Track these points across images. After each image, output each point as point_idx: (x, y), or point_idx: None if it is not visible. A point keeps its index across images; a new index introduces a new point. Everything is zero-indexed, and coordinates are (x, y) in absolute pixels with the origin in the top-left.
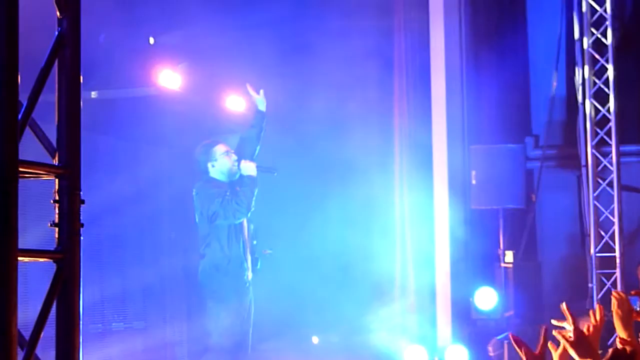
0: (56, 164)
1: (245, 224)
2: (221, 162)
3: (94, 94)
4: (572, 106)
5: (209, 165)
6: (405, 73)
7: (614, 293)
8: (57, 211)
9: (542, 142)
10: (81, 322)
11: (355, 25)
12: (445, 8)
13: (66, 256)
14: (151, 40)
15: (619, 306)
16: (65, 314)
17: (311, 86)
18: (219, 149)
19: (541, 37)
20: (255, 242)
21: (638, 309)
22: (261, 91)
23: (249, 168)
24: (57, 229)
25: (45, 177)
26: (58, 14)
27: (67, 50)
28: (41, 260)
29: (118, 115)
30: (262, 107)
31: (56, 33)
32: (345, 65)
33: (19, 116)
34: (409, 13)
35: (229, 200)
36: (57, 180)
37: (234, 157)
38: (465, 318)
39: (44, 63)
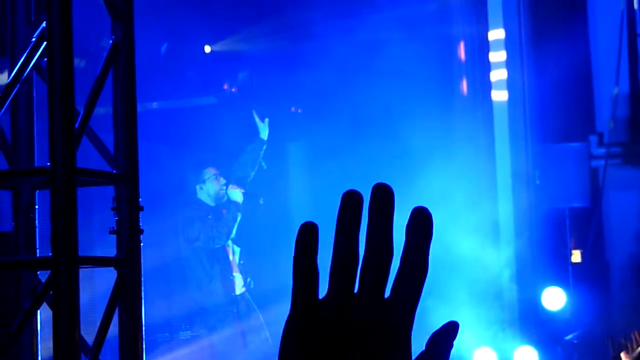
0: (114, 172)
1: (230, 244)
2: (209, 185)
3: (155, 104)
4: (636, 102)
5: (197, 187)
6: (465, 72)
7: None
8: (116, 218)
9: (607, 139)
10: (144, 328)
11: (414, 29)
12: (504, 5)
13: (126, 262)
14: (207, 49)
15: None
16: (127, 319)
17: (371, 79)
18: (208, 171)
19: (602, 32)
20: (242, 262)
21: None
22: (266, 120)
23: (235, 194)
24: (117, 236)
25: (104, 185)
26: (112, 21)
27: (122, 58)
28: (102, 267)
29: (179, 125)
30: (264, 135)
31: (110, 42)
32: (405, 69)
33: (76, 124)
34: (467, 13)
35: (210, 226)
36: (115, 187)
37: (223, 180)
38: (534, 319)
39: (99, 71)
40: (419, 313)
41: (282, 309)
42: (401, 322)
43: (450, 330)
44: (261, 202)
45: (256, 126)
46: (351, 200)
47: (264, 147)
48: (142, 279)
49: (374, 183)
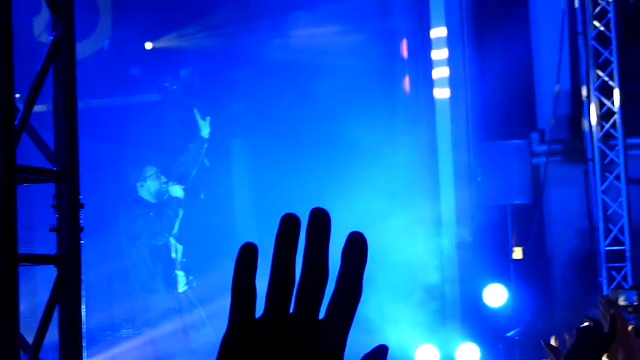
0: (55, 169)
1: (172, 242)
2: (150, 183)
3: (96, 102)
4: (577, 100)
5: (138, 185)
6: (408, 69)
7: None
8: (57, 216)
9: (548, 137)
10: (84, 326)
11: (356, 25)
12: (446, 4)
13: (67, 260)
14: (148, 46)
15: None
16: (68, 317)
17: (313, 75)
18: (150, 169)
19: (545, 32)
20: (184, 260)
21: (636, 303)
22: (207, 118)
23: (176, 190)
24: (57, 234)
25: (44, 182)
26: (52, 17)
27: (62, 54)
28: (42, 265)
29: (120, 122)
30: (205, 133)
31: (50, 38)
32: (346, 65)
33: (16, 122)
34: (410, 11)
35: (152, 223)
36: (56, 185)
37: (164, 179)
38: (476, 315)
39: (40, 68)
40: (360, 309)
41: (224, 305)
42: (334, 343)
43: (379, 354)
44: (202, 197)
45: (198, 124)
46: (289, 223)
47: (205, 146)
48: (83, 276)
49: (312, 208)
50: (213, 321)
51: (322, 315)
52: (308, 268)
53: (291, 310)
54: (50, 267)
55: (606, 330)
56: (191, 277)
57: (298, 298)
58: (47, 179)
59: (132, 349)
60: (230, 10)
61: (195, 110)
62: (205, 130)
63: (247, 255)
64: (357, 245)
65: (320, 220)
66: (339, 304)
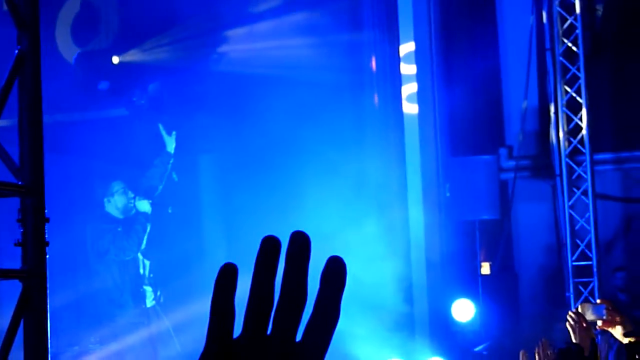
0: (20, 183)
1: (140, 257)
2: (117, 198)
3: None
4: (544, 116)
5: (105, 200)
6: (376, 84)
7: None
8: (22, 230)
9: (516, 152)
10: (49, 340)
11: (326, 39)
12: (415, 19)
13: (32, 274)
14: (115, 60)
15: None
16: (33, 331)
17: (281, 88)
18: (116, 184)
19: (513, 47)
20: (151, 275)
21: (604, 317)
22: (173, 133)
23: (143, 205)
24: (22, 248)
25: (9, 196)
26: (18, 31)
27: (27, 68)
28: (7, 279)
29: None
30: (171, 148)
31: (16, 51)
32: (316, 79)
33: None
34: (380, 26)
35: (120, 238)
36: (21, 199)
37: (131, 194)
38: (444, 330)
39: (4, 82)
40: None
41: (191, 319)
42: None
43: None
44: (170, 211)
45: (163, 139)
46: (269, 245)
47: (171, 160)
48: (48, 291)
49: (292, 231)
50: (180, 335)
51: (299, 337)
52: (287, 289)
53: (269, 331)
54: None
55: (586, 353)
56: (158, 292)
57: (276, 318)
58: (12, 192)
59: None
60: (193, 23)
61: (160, 125)
62: (171, 145)
63: (227, 275)
64: (336, 269)
65: (301, 243)
66: (317, 326)
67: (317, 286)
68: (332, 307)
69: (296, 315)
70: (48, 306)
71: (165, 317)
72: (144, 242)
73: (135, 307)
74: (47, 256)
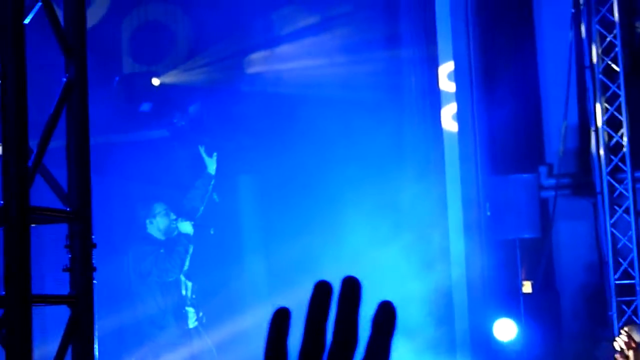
0: (67, 209)
1: (182, 278)
2: (159, 220)
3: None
4: (585, 133)
5: (147, 221)
6: (415, 105)
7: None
8: (70, 256)
9: (556, 170)
10: None
11: (365, 56)
12: (454, 38)
13: (80, 300)
14: (155, 82)
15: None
16: (80, 357)
17: (321, 108)
18: (159, 206)
19: (552, 65)
20: (194, 297)
21: None
22: (214, 154)
23: (185, 226)
24: (70, 274)
25: (57, 222)
26: (65, 59)
27: (75, 95)
28: (56, 304)
29: (128, 158)
30: (212, 170)
31: (64, 79)
32: (354, 98)
33: (30, 162)
34: (418, 45)
35: (163, 260)
36: (69, 225)
37: (173, 215)
38: (486, 349)
39: (53, 109)
40: None
41: (232, 339)
42: None
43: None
44: (212, 232)
45: (204, 161)
46: (322, 291)
47: (212, 182)
48: (95, 316)
49: (345, 276)
50: (222, 354)
51: None
52: (339, 332)
53: None
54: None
55: None
56: (201, 314)
57: None
58: (60, 219)
59: None
60: (230, 43)
61: (200, 147)
62: (212, 167)
63: (281, 319)
64: (386, 314)
65: (352, 288)
66: None
67: (368, 329)
68: (383, 351)
69: (348, 358)
70: (95, 331)
71: (208, 337)
72: (187, 263)
73: (178, 328)
74: (95, 281)
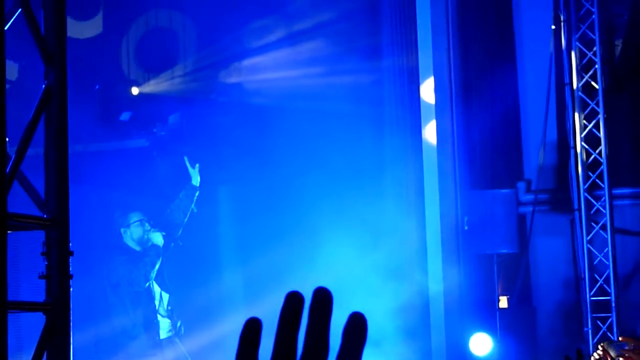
0: (45, 216)
1: (154, 288)
2: (133, 230)
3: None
4: (563, 150)
5: (122, 230)
6: (395, 117)
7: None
8: (46, 263)
9: (534, 186)
10: None
11: (345, 68)
12: (434, 52)
13: (56, 307)
14: (135, 91)
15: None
16: None
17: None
18: (134, 216)
19: (531, 82)
20: (169, 308)
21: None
22: (197, 165)
23: (156, 237)
24: (46, 281)
25: (34, 229)
26: (45, 66)
27: (54, 103)
28: (31, 312)
29: (108, 167)
30: (196, 181)
31: (43, 86)
32: (334, 109)
33: (7, 169)
34: (399, 57)
35: (129, 271)
36: (46, 232)
37: (147, 226)
38: None
39: (31, 116)
40: None
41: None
42: None
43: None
44: (180, 243)
45: (187, 171)
46: (293, 301)
47: (197, 193)
48: (71, 324)
49: (316, 287)
50: None
51: None
52: (309, 343)
53: None
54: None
55: None
56: (179, 323)
57: None
58: (37, 226)
59: None
60: (208, 53)
61: (185, 158)
62: (196, 178)
63: (251, 330)
64: (357, 326)
65: (323, 299)
66: None
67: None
68: None
69: None
70: (71, 339)
71: (184, 347)
72: (153, 274)
73: (149, 339)
74: (71, 289)
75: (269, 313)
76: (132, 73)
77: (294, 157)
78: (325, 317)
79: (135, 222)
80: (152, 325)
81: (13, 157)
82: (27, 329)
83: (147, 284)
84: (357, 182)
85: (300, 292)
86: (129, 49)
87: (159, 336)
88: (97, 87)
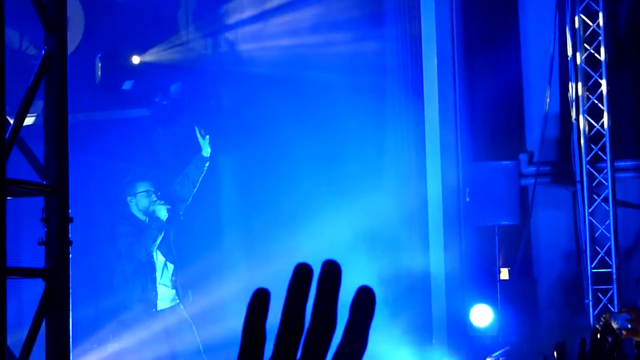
0: (44, 182)
1: (158, 258)
2: (139, 200)
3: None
4: (566, 122)
5: (128, 199)
6: (397, 88)
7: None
8: (45, 229)
9: (537, 158)
10: (71, 339)
11: (345, 35)
12: (437, 24)
13: (55, 274)
14: (135, 60)
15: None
16: (54, 330)
17: (302, 94)
18: (141, 186)
19: (534, 54)
20: (174, 279)
21: (628, 326)
22: (207, 136)
23: (160, 210)
24: (45, 247)
25: (33, 195)
26: (45, 32)
27: (53, 69)
28: (31, 278)
29: (111, 136)
30: (206, 152)
31: (42, 52)
32: (334, 80)
33: (7, 135)
34: (402, 26)
35: (130, 242)
36: (45, 198)
37: (154, 197)
38: (462, 335)
39: (31, 82)
40: None
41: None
42: None
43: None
44: (181, 218)
45: (197, 142)
46: (302, 273)
47: (207, 164)
48: (70, 290)
49: (325, 259)
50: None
51: None
52: (317, 316)
53: (299, 356)
54: (36, 279)
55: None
56: (189, 293)
57: (306, 344)
58: (36, 192)
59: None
60: (207, 21)
61: (196, 128)
62: (206, 149)
63: (259, 301)
64: (365, 300)
65: (332, 272)
66: (345, 353)
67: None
68: (360, 335)
69: (325, 341)
70: (70, 305)
71: (187, 314)
72: (155, 247)
73: (144, 311)
74: (70, 255)
75: (270, 278)
76: (133, 42)
77: (295, 126)
78: (333, 290)
79: (142, 192)
80: (150, 297)
81: (12, 123)
82: (28, 305)
83: (148, 256)
84: (357, 153)
85: (309, 265)
86: (130, 16)
87: (156, 307)
88: (99, 55)
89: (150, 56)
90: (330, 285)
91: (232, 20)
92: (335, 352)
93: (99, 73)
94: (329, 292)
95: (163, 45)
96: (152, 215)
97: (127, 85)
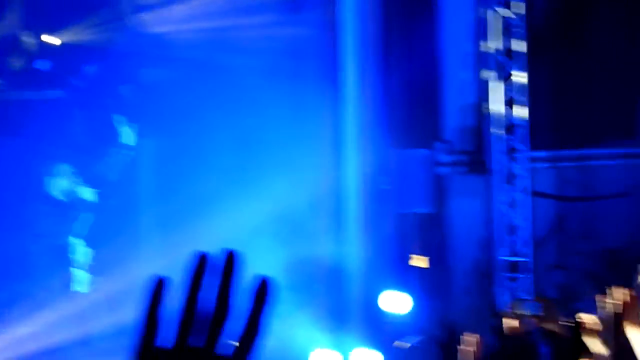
0: None
1: (77, 242)
2: (59, 180)
3: None
4: (482, 112)
5: (47, 180)
6: (314, 73)
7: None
8: None
9: (453, 147)
10: None
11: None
12: (355, 10)
13: None
14: (50, 40)
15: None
16: None
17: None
18: (61, 167)
19: (452, 43)
20: (92, 264)
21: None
22: (134, 125)
23: (85, 193)
24: None
25: None
26: None
27: None
28: None
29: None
30: (127, 140)
31: None
32: (252, 62)
33: None
34: (319, 9)
35: (53, 221)
36: None
37: (74, 179)
38: (375, 321)
39: None
40: None
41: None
42: None
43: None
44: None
45: (116, 129)
46: (198, 262)
47: (130, 152)
48: None
49: (224, 249)
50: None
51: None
52: (215, 304)
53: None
54: None
55: None
56: (101, 279)
57: (208, 330)
58: None
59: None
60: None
61: (114, 116)
62: (126, 137)
63: (157, 288)
64: (260, 290)
65: (228, 261)
66: (241, 340)
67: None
68: (255, 324)
69: (217, 328)
70: None
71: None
72: (78, 228)
73: (61, 292)
74: None
75: (182, 264)
76: (46, 22)
77: (210, 111)
78: (229, 278)
79: (62, 173)
80: (66, 278)
81: None
82: None
83: (66, 238)
84: (273, 138)
85: (207, 253)
86: None
87: (71, 290)
88: (12, 34)
89: (65, 37)
90: (227, 274)
91: (146, 2)
92: (238, 339)
93: (14, 53)
94: (225, 280)
95: (79, 26)
96: (74, 197)
97: (39, 64)
